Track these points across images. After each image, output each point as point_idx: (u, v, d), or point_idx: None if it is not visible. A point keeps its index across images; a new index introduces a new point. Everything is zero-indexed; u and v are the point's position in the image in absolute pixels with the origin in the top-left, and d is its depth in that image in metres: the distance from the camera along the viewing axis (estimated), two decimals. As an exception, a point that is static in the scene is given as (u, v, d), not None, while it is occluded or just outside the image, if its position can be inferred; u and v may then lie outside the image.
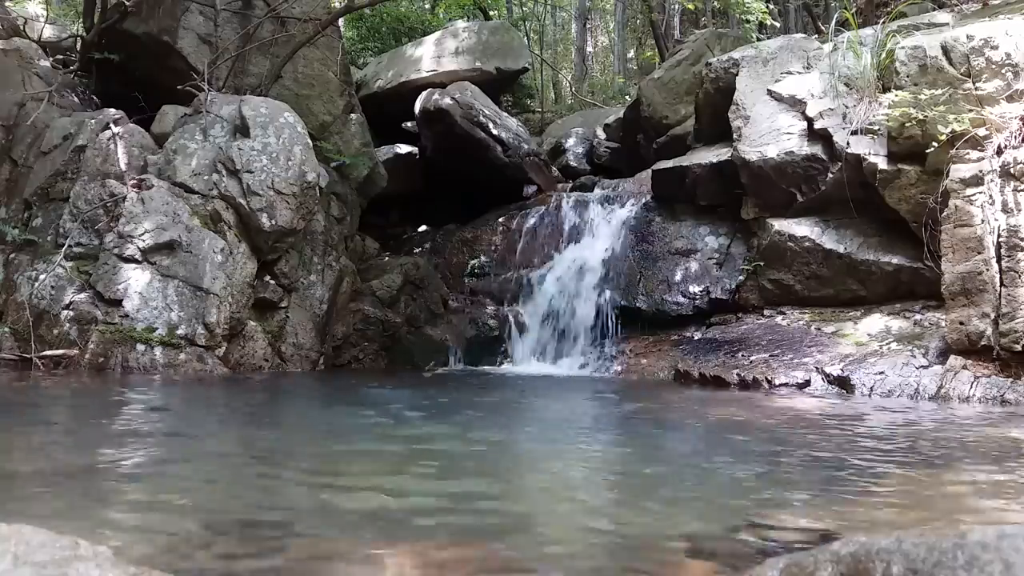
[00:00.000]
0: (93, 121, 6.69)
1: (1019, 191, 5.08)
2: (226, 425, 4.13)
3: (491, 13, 16.84)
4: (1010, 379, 4.93)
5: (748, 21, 11.91)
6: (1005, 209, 5.10)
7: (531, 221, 8.78)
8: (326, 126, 8.07)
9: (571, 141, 12.22)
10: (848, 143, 6.25)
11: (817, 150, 6.48)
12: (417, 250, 9.22)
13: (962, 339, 5.13)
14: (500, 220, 9.03)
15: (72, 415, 4.33)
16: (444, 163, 10.28)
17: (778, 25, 13.11)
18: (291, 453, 3.24)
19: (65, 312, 5.84)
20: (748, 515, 2.17)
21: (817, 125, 6.48)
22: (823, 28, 8.34)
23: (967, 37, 5.76)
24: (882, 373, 5.34)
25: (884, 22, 6.96)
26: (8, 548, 1.06)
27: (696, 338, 6.88)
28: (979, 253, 5.12)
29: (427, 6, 17.71)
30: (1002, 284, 5.03)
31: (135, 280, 5.88)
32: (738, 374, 5.89)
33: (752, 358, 6.08)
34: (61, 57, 8.64)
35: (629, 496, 2.63)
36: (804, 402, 5.13)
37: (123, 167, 6.40)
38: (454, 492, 2.52)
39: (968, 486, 2.73)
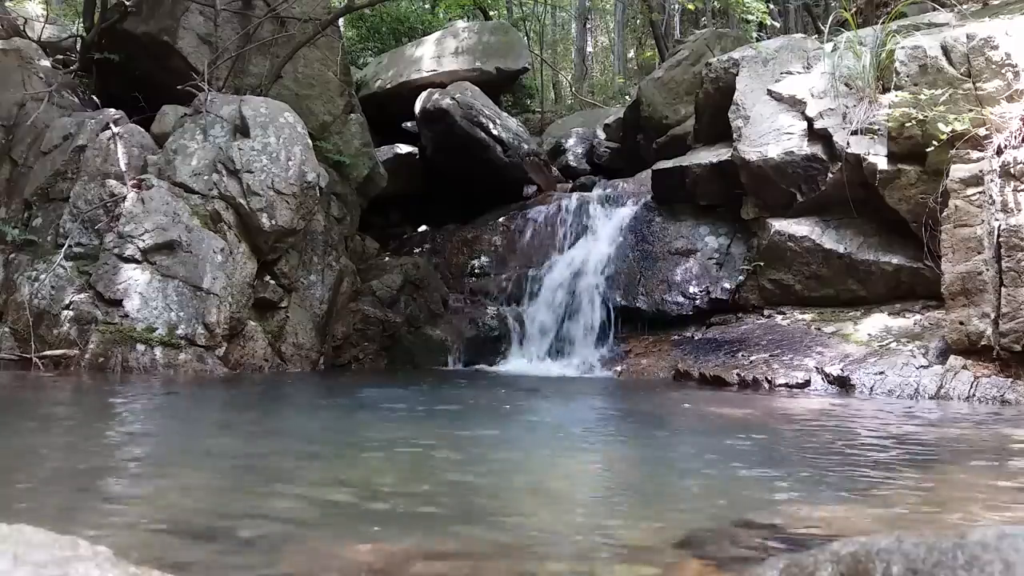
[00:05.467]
0: (93, 121, 6.69)
1: (1019, 191, 5.08)
2: (225, 425, 4.13)
3: (491, 13, 16.84)
4: (1010, 379, 4.93)
5: (748, 21, 11.92)
6: (1005, 209, 5.09)
7: (531, 221, 8.78)
8: (326, 126, 8.07)
9: (571, 141, 12.23)
10: (848, 143, 6.25)
11: (817, 150, 6.48)
12: (417, 250, 9.21)
13: (962, 339, 5.13)
14: (500, 220, 9.03)
15: (72, 415, 4.33)
16: (444, 163, 10.28)
17: (778, 25, 13.11)
18: (291, 453, 3.24)
19: (65, 312, 5.84)
20: (748, 515, 2.17)
21: (817, 125, 6.48)
22: (823, 28, 8.34)
23: (967, 37, 5.76)
24: (882, 373, 5.34)
25: (884, 22, 6.95)
26: (8, 548, 1.06)
27: (696, 338, 6.88)
28: (979, 253, 5.12)
29: (427, 6, 17.71)
30: (1002, 284, 5.03)
31: (135, 280, 5.88)
32: (738, 374, 5.89)
33: (752, 358, 6.08)
34: (61, 57, 8.64)
35: (628, 495, 2.63)
36: (804, 402, 5.13)
37: (123, 167, 6.40)
38: (452, 491, 2.52)
39: (969, 486, 2.73)
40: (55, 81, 7.34)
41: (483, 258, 8.69)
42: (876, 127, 6.10)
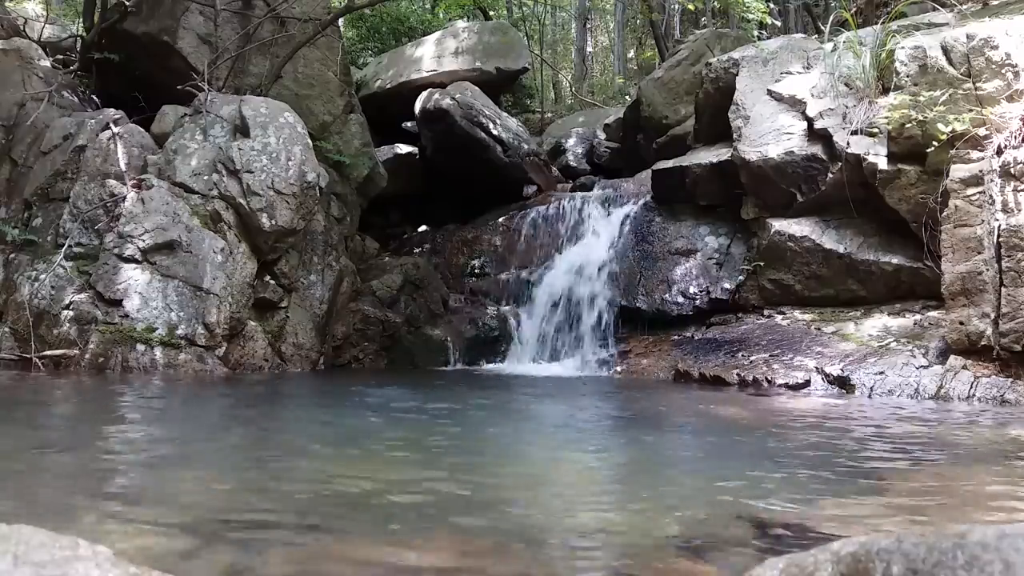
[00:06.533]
0: (93, 121, 6.69)
1: (1019, 191, 5.08)
2: (225, 425, 4.13)
3: (491, 13, 16.84)
4: (1010, 379, 4.93)
5: (748, 21, 11.92)
6: (1005, 209, 5.09)
7: (531, 221, 8.78)
8: (326, 126, 8.07)
9: (571, 141, 12.24)
10: (848, 143, 6.25)
11: (817, 150, 6.48)
12: (417, 250, 9.22)
13: (962, 339, 5.13)
14: (500, 220, 9.03)
15: (72, 416, 4.33)
16: (444, 163, 10.28)
17: (778, 25, 13.12)
18: (291, 452, 3.24)
19: (65, 312, 5.84)
20: (748, 514, 2.17)
21: (817, 125, 6.48)
22: (823, 28, 8.35)
23: (967, 37, 5.76)
24: (882, 373, 5.34)
25: (884, 22, 6.95)
26: (8, 548, 1.06)
27: (696, 338, 6.88)
28: (979, 253, 5.11)
29: (427, 6, 17.72)
30: (1002, 284, 5.03)
31: (135, 280, 5.88)
32: (738, 374, 5.89)
33: (752, 358, 6.08)
34: (61, 57, 8.64)
35: (628, 496, 2.63)
36: (804, 402, 5.13)
37: (123, 167, 6.40)
38: (453, 491, 2.52)
39: (969, 486, 2.73)
40: (55, 81, 7.34)
41: (483, 258, 8.69)
42: (876, 127, 6.10)
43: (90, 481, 2.52)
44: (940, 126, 5.53)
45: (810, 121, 6.55)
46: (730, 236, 7.30)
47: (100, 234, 6.14)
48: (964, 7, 7.25)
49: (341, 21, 10.54)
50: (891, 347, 5.69)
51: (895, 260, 6.29)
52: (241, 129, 6.51)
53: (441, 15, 17.11)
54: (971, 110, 5.56)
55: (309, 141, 6.67)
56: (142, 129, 6.82)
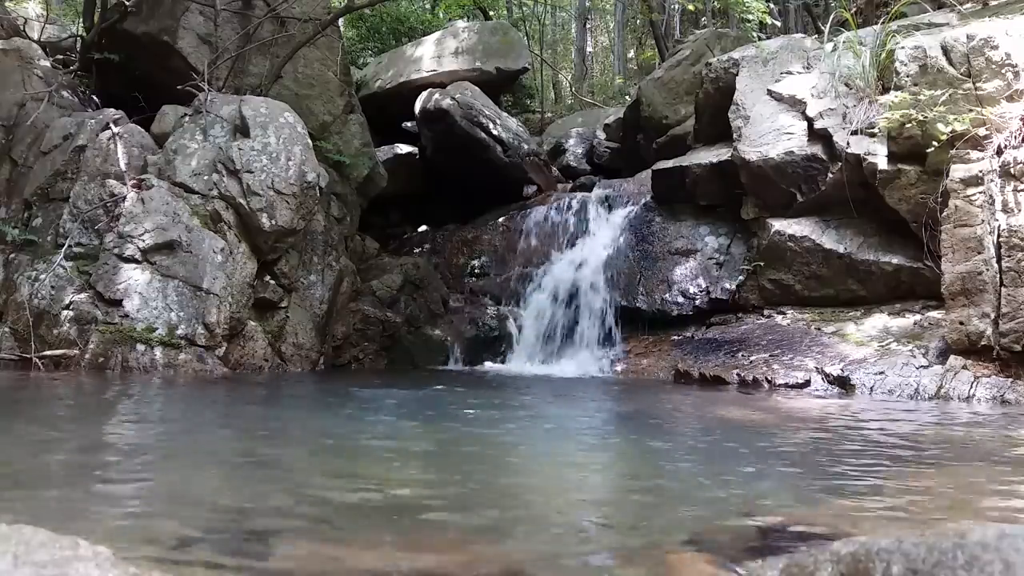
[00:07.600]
0: (93, 121, 6.69)
1: (1019, 191, 5.08)
2: (226, 425, 4.13)
3: (491, 13, 16.85)
4: (1010, 379, 4.93)
5: (748, 21, 11.92)
6: (1005, 209, 5.09)
7: (531, 221, 8.78)
8: (326, 126, 8.07)
9: (571, 141, 12.24)
10: (848, 143, 6.25)
11: (817, 150, 6.49)
12: (417, 250, 9.22)
13: (962, 339, 5.13)
14: (500, 220, 9.03)
15: (71, 415, 4.33)
16: (444, 163, 10.28)
17: (778, 25, 13.11)
18: (291, 452, 3.24)
19: (65, 312, 5.84)
20: (748, 515, 2.17)
21: (817, 125, 6.48)
22: (823, 28, 8.35)
23: (967, 37, 5.76)
24: (882, 373, 5.34)
25: (884, 22, 6.96)
26: (8, 548, 1.06)
27: (696, 338, 6.88)
28: (979, 253, 5.12)
29: (427, 6, 17.72)
30: (1002, 284, 5.03)
31: (135, 280, 5.88)
32: (738, 374, 5.89)
33: (752, 358, 6.08)
34: (61, 57, 8.64)
35: (629, 496, 2.64)
36: (804, 402, 5.13)
37: (123, 167, 6.40)
38: (452, 491, 2.52)
39: (969, 486, 2.73)
40: (55, 81, 7.33)
41: (483, 258, 8.69)
42: (876, 127, 6.10)
43: (90, 481, 2.52)
44: (940, 126, 5.53)
45: (810, 121, 6.55)
46: (730, 236, 7.30)
47: (100, 234, 6.14)
48: (964, 7, 7.25)
49: (341, 21, 10.54)
50: (891, 347, 5.70)
51: (895, 260, 6.30)
52: (241, 129, 6.51)
53: (441, 15, 17.12)
54: (971, 110, 5.56)
55: (309, 141, 6.67)
56: (142, 129, 6.82)
